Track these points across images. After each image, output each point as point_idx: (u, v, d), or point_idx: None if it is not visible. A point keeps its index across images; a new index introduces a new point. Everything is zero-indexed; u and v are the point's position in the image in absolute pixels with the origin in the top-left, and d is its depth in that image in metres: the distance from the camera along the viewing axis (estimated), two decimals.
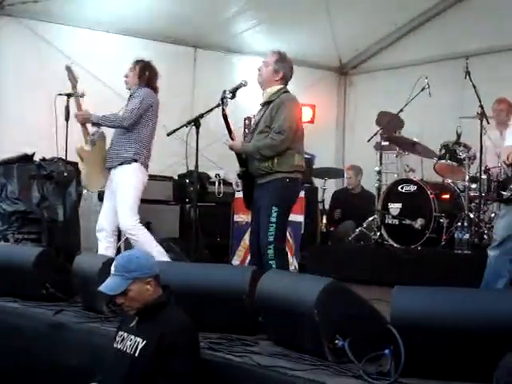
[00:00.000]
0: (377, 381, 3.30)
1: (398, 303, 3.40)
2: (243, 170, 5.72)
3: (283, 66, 5.75)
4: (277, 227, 5.52)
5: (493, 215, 7.44)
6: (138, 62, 6.63)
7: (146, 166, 6.47)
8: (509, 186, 4.97)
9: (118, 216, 6.33)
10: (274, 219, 5.51)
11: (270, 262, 5.45)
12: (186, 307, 3.76)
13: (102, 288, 3.78)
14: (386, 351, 3.41)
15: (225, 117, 5.66)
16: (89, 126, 6.50)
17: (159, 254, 6.27)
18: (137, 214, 6.36)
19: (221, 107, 5.65)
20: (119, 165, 6.38)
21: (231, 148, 5.69)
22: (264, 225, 5.54)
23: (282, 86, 5.76)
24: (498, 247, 4.94)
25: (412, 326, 3.31)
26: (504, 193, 5.00)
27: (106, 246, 6.50)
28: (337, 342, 3.56)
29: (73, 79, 6.46)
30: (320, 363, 3.56)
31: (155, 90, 6.58)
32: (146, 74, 6.54)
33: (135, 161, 6.36)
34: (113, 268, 3.78)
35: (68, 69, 6.44)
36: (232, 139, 5.66)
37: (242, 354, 3.81)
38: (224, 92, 5.65)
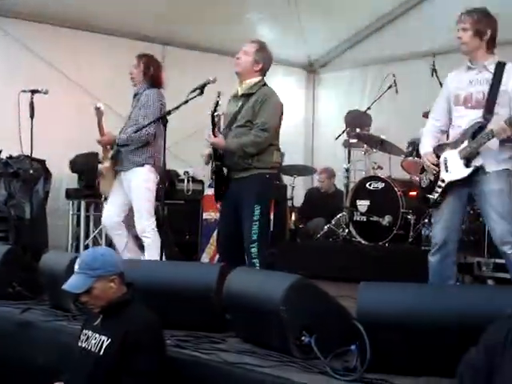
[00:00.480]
0: (343, 376, 3.32)
1: (364, 299, 3.43)
2: (218, 165, 5.59)
3: (263, 57, 5.62)
4: (260, 225, 5.44)
5: None
6: (141, 56, 6.53)
7: (157, 167, 6.34)
8: (433, 190, 5.01)
9: (134, 217, 6.30)
10: (256, 217, 5.42)
11: (254, 260, 5.39)
12: (153, 304, 3.75)
13: (66, 286, 3.74)
14: (352, 347, 3.43)
15: (213, 116, 5.51)
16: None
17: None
18: (153, 216, 6.33)
19: (212, 107, 5.49)
20: (132, 168, 6.33)
21: (214, 145, 5.52)
22: (246, 223, 5.46)
23: (260, 78, 5.65)
24: (439, 251, 4.91)
25: (377, 321, 3.33)
26: (430, 196, 5.04)
27: (117, 239, 6.47)
28: (303, 338, 3.57)
29: (100, 117, 6.39)
30: (287, 359, 3.57)
31: (161, 84, 6.50)
32: (150, 70, 6.47)
33: (148, 164, 6.30)
34: (76, 266, 3.74)
35: (97, 109, 6.38)
36: (214, 136, 5.50)
37: (209, 352, 3.81)
38: (218, 93, 5.50)
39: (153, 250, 6.17)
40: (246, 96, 5.60)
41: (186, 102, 5.60)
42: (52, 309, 5.04)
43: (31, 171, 7.22)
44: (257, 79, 5.63)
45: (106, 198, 6.68)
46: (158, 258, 5.90)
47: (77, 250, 8.55)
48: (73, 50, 9.12)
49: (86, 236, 8.57)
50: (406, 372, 3.32)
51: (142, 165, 6.28)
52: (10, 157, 8.25)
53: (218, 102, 5.48)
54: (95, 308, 3.74)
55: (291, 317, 3.57)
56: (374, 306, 3.38)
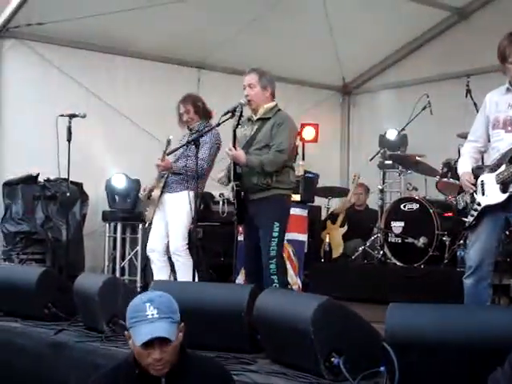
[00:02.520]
0: None
1: (393, 320, 3.41)
2: (238, 184, 5.68)
3: (268, 81, 5.76)
4: (278, 242, 5.61)
5: None
6: (185, 99, 6.72)
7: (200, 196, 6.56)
8: (469, 212, 4.96)
9: (169, 237, 6.45)
10: (276, 234, 5.59)
11: (272, 276, 5.53)
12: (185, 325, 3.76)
13: (157, 333, 2.89)
14: (381, 368, 3.42)
15: (235, 130, 5.66)
16: None
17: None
18: (187, 239, 6.46)
19: (235, 121, 5.64)
20: (178, 191, 6.50)
21: (235, 158, 5.61)
22: (265, 240, 5.59)
23: (275, 103, 5.80)
24: (474, 274, 4.84)
25: (406, 342, 3.31)
26: (466, 220, 4.99)
27: (159, 266, 6.60)
28: (332, 359, 3.57)
29: (167, 147, 6.51)
30: (316, 381, 3.57)
31: (211, 115, 6.67)
32: (200, 106, 6.66)
33: (193, 190, 6.36)
34: (154, 310, 2.94)
35: (168, 141, 6.49)
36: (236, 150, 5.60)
37: (239, 372, 3.81)
38: (240, 106, 5.63)
39: (184, 271, 6.28)
40: (263, 120, 5.73)
41: (219, 124, 5.69)
42: (85, 330, 5.09)
43: (68, 194, 7.31)
44: (272, 104, 5.77)
45: (150, 224, 6.79)
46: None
47: (113, 271, 8.64)
48: (109, 74, 9.27)
49: (122, 258, 8.65)
50: None
51: (188, 188, 6.44)
52: (48, 180, 8.38)
53: (240, 116, 5.56)
54: (165, 367, 2.94)
55: (320, 338, 3.57)
56: (403, 327, 3.36)
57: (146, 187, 6.74)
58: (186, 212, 6.40)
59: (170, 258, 6.56)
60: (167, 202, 6.54)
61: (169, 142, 6.46)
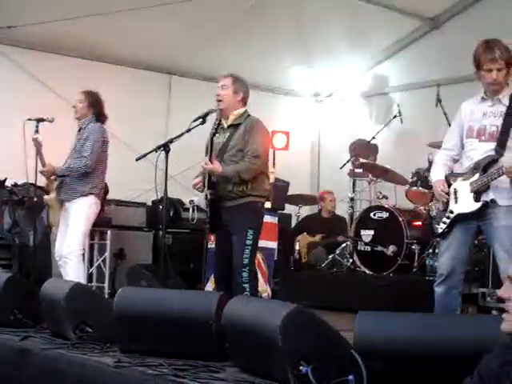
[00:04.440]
0: None
1: (361, 328, 3.40)
2: (212, 192, 5.66)
3: (241, 86, 5.76)
4: (251, 250, 5.59)
5: None
6: (86, 93, 6.83)
7: (100, 198, 6.79)
8: (441, 220, 4.97)
9: (66, 239, 6.56)
10: (249, 242, 5.57)
11: (245, 284, 5.50)
12: (151, 332, 3.73)
13: None
14: (350, 377, 3.39)
15: (212, 140, 5.65)
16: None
17: None
18: (83, 244, 6.70)
19: (211, 131, 5.67)
20: (76, 197, 6.61)
21: (211, 172, 5.61)
22: (238, 248, 5.56)
23: (245, 109, 5.79)
24: (445, 282, 4.86)
25: (375, 350, 3.30)
26: (438, 226, 5.01)
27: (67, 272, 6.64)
28: (301, 368, 3.53)
29: (38, 148, 6.66)
30: None
31: (105, 119, 6.83)
32: (95, 106, 6.78)
33: (91, 194, 6.63)
34: None
35: (35, 140, 6.64)
36: (211, 163, 5.59)
37: (207, 381, 3.75)
38: (216, 113, 5.68)
39: (73, 276, 6.38)
40: (234, 126, 5.72)
41: (189, 130, 5.67)
42: (52, 336, 5.01)
43: (35, 199, 7.23)
44: (242, 110, 5.77)
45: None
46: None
47: None
48: (79, 79, 9.14)
49: (91, 264, 8.56)
50: None
51: (87, 194, 6.60)
52: (15, 185, 8.30)
53: (219, 124, 5.56)
54: None
55: (288, 346, 3.53)
56: (372, 335, 3.35)
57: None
58: (83, 218, 6.60)
59: None
60: (67, 209, 6.67)
61: (35, 139, 6.61)
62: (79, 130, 6.79)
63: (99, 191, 6.74)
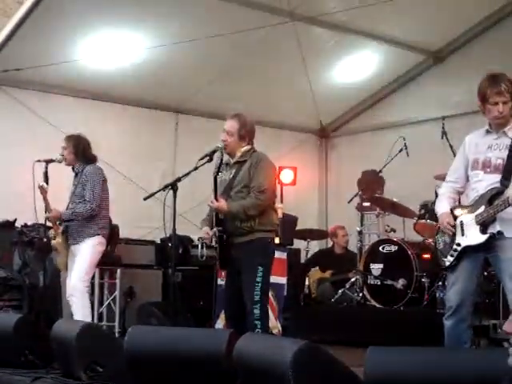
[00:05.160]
0: None
1: (372, 363, 3.40)
2: (220, 229, 5.65)
3: (246, 131, 5.76)
4: (262, 287, 5.54)
5: None
6: (69, 137, 6.93)
7: (106, 237, 6.90)
8: (448, 252, 4.97)
9: (72, 277, 6.67)
10: (259, 279, 5.53)
11: (256, 321, 5.46)
12: (162, 371, 3.73)
13: None
14: None
15: (215, 179, 5.66)
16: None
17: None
18: (87, 281, 6.76)
19: (214, 170, 5.67)
20: (83, 239, 6.73)
21: (217, 210, 5.61)
22: (249, 285, 5.53)
23: (251, 146, 5.82)
24: (454, 315, 4.84)
25: None
26: (445, 259, 5.01)
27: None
28: None
29: (44, 195, 6.75)
30: None
31: (94, 158, 6.94)
32: (80, 147, 6.86)
33: (98, 235, 6.76)
34: None
35: (41, 188, 6.74)
36: (217, 200, 5.59)
37: None
38: (219, 152, 5.68)
39: (79, 312, 6.57)
40: (240, 163, 5.75)
41: (196, 168, 5.69)
42: (63, 377, 5.01)
43: (45, 239, 7.27)
44: (248, 147, 5.79)
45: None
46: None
47: (91, 317, 8.53)
48: (87, 119, 9.26)
49: (100, 303, 8.54)
50: None
51: (93, 236, 6.73)
52: (25, 225, 8.33)
53: (220, 163, 5.59)
54: None
55: (299, 381, 3.53)
56: (382, 371, 3.35)
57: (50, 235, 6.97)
58: (88, 257, 6.71)
59: None
60: (74, 252, 6.78)
61: (41, 187, 6.70)
62: (76, 175, 6.90)
63: (105, 231, 6.86)
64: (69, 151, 6.85)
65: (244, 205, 5.57)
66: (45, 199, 6.74)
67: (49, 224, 6.93)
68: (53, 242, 6.89)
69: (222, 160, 5.67)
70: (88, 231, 6.72)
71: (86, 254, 6.70)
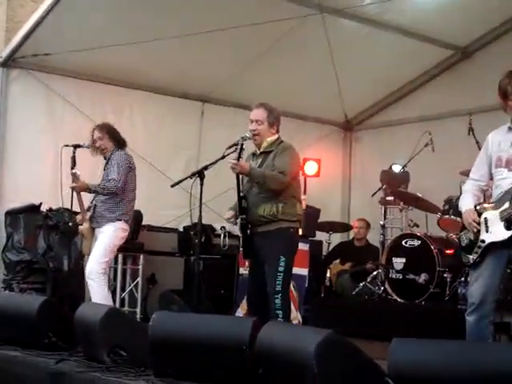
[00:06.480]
0: None
1: (396, 355, 3.40)
2: (243, 218, 5.69)
3: (274, 117, 5.83)
4: (284, 277, 5.56)
5: None
6: (100, 127, 7.05)
7: (129, 224, 7.00)
8: (473, 249, 4.96)
9: (89, 259, 6.77)
10: (282, 268, 5.55)
11: (277, 311, 5.50)
12: (185, 358, 3.75)
13: None
14: None
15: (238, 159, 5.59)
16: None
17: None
18: (106, 266, 6.83)
19: (236, 155, 5.61)
20: (106, 224, 6.81)
21: (239, 168, 5.53)
22: (271, 274, 5.56)
23: (277, 136, 5.86)
24: (476, 311, 4.83)
25: (410, 378, 3.30)
26: (470, 256, 4.99)
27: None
28: None
29: (76, 181, 6.86)
30: None
31: (124, 143, 7.06)
32: (116, 135, 7.02)
33: (119, 220, 6.83)
34: None
35: (73, 174, 6.84)
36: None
37: None
38: (242, 139, 5.64)
39: (96, 295, 6.67)
40: (266, 153, 5.79)
41: (223, 157, 5.71)
42: (86, 360, 5.06)
43: (70, 224, 7.34)
44: (274, 137, 5.83)
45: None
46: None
47: (113, 302, 8.60)
48: (113, 105, 9.34)
49: (123, 289, 8.62)
50: None
51: (115, 220, 6.80)
52: (50, 209, 8.41)
53: (241, 150, 5.58)
54: None
55: (323, 372, 3.54)
56: (406, 363, 3.35)
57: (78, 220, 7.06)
58: (107, 240, 6.78)
59: None
60: (97, 235, 6.87)
61: (74, 174, 6.80)
62: (106, 162, 7.01)
63: (128, 218, 6.94)
64: (106, 139, 6.96)
65: (265, 174, 5.59)
66: (75, 184, 6.83)
67: (75, 208, 6.97)
68: (80, 227, 6.98)
69: (242, 148, 5.64)
70: (110, 216, 6.80)
71: (105, 237, 6.79)
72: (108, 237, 6.78)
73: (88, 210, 6.93)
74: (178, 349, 4.13)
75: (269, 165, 5.70)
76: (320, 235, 9.69)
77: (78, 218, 7.01)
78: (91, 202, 6.99)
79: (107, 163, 6.97)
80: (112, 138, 6.97)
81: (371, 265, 8.66)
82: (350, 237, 10.21)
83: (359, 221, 9.57)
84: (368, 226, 9.49)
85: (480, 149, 6.95)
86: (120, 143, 7.00)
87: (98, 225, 6.87)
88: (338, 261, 9.35)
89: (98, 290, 6.71)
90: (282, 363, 3.87)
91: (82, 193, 6.88)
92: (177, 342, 4.07)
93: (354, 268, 9.09)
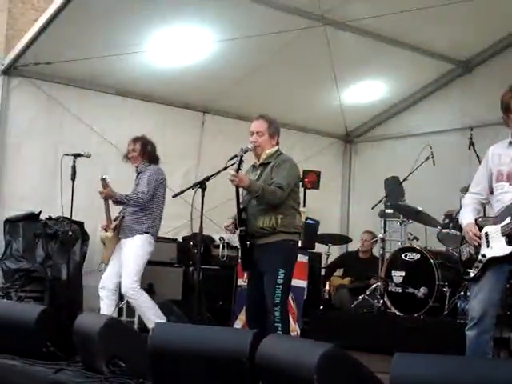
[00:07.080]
0: None
1: (398, 370, 3.39)
2: (243, 229, 5.67)
3: (275, 128, 5.85)
4: (283, 289, 5.54)
5: None
6: (136, 139, 7.13)
7: (156, 237, 7.03)
8: (473, 264, 4.94)
9: (121, 278, 6.80)
10: (281, 281, 5.53)
11: (277, 324, 5.47)
12: (185, 370, 3.73)
13: None
14: None
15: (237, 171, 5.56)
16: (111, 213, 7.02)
17: (158, 318, 6.70)
18: (138, 280, 6.84)
19: (235, 167, 5.58)
20: (133, 236, 6.86)
21: (238, 180, 5.46)
22: (270, 287, 5.53)
23: (277, 148, 5.87)
24: (477, 326, 4.81)
25: None
26: (470, 270, 4.98)
27: (108, 304, 6.89)
28: None
29: (106, 188, 6.86)
30: None
31: (158, 160, 7.14)
32: (148, 149, 7.08)
33: (147, 233, 6.87)
34: None
35: (103, 180, 6.83)
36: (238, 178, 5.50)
37: None
38: (243, 151, 5.62)
39: (143, 310, 6.80)
40: (265, 165, 5.79)
41: (225, 168, 5.70)
42: (84, 370, 5.04)
43: (69, 233, 7.33)
44: (274, 149, 5.84)
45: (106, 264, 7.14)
46: (156, 319, 6.55)
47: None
48: (114, 115, 9.33)
49: (121, 299, 8.59)
50: None
51: (143, 233, 6.84)
52: (50, 218, 8.39)
53: (240, 161, 5.55)
54: None
55: None
56: (408, 378, 3.34)
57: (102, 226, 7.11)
58: (138, 255, 6.83)
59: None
60: (122, 246, 6.90)
61: (104, 180, 6.78)
62: (137, 175, 7.10)
63: (155, 231, 6.99)
64: (136, 152, 7.07)
65: (263, 188, 5.55)
66: (105, 191, 6.84)
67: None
68: (102, 234, 7.04)
69: (241, 160, 5.62)
70: (138, 228, 6.86)
71: (132, 253, 6.83)
72: (136, 254, 6.84)
73: (115, 219, 6.96)
74: (177, 360, 4.11)
75: (267, 177, 5.70)
76: (319, 247, 9.66)
77: (103, 224, 7.04)
78: (119, 213, 7.05)
79: (137, 176, 7.07)
80: (143, 153, 7.06)
81: (374, 281, 8.62)
82: (349, 249, 10.20)
83: (365, 233, 9.56)
84: (374, 238, 9.45)
85: (480, 163, 6.98)
86: (151, 159, 7.10)
87: (124, 235, 6.91)
88: (339, 272, 9.34)
89: (144, 307, 6.84)
90: (282, 376, 3.86)
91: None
92: (176, 353, 4.05)
93: (355, 283, 9.09)
